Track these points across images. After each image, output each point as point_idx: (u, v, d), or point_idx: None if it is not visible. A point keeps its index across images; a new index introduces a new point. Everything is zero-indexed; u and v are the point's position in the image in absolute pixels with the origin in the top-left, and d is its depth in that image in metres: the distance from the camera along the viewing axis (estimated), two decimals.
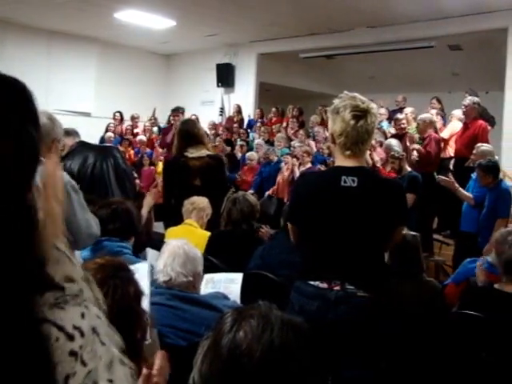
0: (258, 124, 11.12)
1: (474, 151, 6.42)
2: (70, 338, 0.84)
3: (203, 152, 4.88)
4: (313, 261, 2.49)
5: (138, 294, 1.56)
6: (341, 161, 2.49)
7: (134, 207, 3.26)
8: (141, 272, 2.17)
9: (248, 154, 9.61)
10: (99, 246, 2.97)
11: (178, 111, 10.21)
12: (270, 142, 10.00)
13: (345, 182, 2.38)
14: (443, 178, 6.22)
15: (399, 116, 8.23)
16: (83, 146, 4.47)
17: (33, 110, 0.89)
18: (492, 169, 5.84)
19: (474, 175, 6.30)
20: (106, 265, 1.56)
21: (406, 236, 3.58)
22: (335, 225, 2.41)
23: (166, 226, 4.74)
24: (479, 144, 6.50)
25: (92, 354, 0.87)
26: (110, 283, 1.50)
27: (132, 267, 2.21)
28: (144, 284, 2.14)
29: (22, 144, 0.83)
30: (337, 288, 2.37)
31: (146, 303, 2.06)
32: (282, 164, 8.64)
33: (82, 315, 0.87)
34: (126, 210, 3.13)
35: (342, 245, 2.41)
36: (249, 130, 11.45)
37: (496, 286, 3.11)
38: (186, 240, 2.78)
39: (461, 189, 6.14)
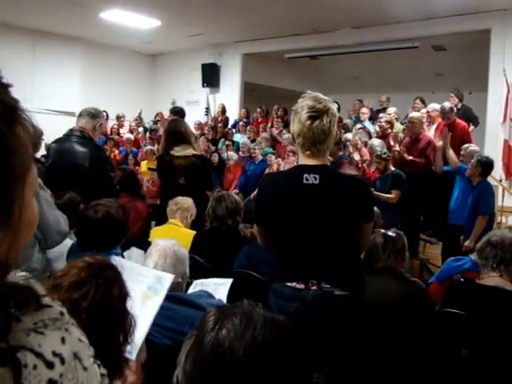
0: (242, 123, 11.16)
1: (463, 152, 6.47)
2: (50, 365, 0.77)
3: (189, 151, 4.89)
4: (286, 261, 2.48)
5: (123, 295, 1.54)
6: (303, 160, 2.49)
7: (121, 208, 3.10)
8: (164, 283, 2.11)
9: (228, 154, 9.62)
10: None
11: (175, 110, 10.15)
12: (255, 142, 10.01)
13: (307, 179, 2.39)
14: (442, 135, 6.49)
15: (381, 115, 8.30)
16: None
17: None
18: (484, 163, 5.93)
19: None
20: (93, 264, 1.55)
21: (392, 235, 3.58)
22: (301, 223, 2.40)
23: (157, 225, 4.74)
24: (467, 145, 6.56)
25: (73, 382, 0.81)
26: (93, 282, 1.49)
27: (153, 276, 2.14)
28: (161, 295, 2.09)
29: None
30: (314, 288, 2.36)
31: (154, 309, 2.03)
32: (268, 162, 8.64)
33: (63, 340, 0.81)
34: (112, 217, 2.95)
35: (310, 243, 2.40)
36: (233, 130, 11.46)
37: (478, 280, 3.14)
38: (175, 240, 2.77)
39: (450, 150, 6.42)
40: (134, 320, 1.56)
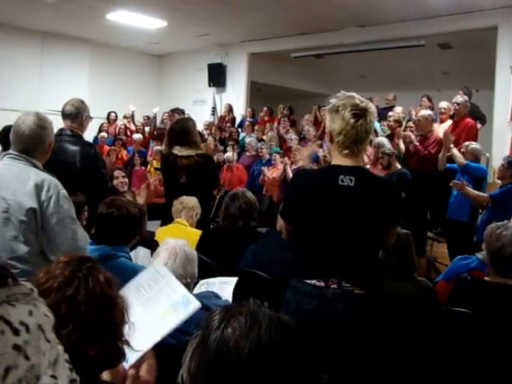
0: (247, 123, 11.16)
1: (463, 149, 6.43)
2: (16, 332, 0.89)
3: (192, 151, 4.89)
4: (309, 259, 2.48)
5: (109, 279, 1.59)
6: (338, 160, 2.48)
7: (137, 209, 3.10)
8: (188, 309, 2.10)
9: (226, 156, 9.54)
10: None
11: (175, 112, 10.18)
12: (262, 141, 10.00)
13: (342, 181, 2.38)
14: (456, 182, 6.00)
15: (390, 113, 8.26)
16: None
17: None
18: None
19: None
20: (70, 261, 1.59)
21: (398, 234, 3.57)
22: (332, 223, 2.40)
23: (163, 225, 4.73)
24: (468, 142, 6.52)
25: (36, 350, 0.92)
26: (80, 276, 1.53)
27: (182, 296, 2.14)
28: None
29: None
30: (334, 286, 2.37)
31: None
32: (272, 162, 8.64)
33: (30, 313, 0.93)
34: (123, 216, 2.99)
35: (339, 243, 2.40)
36: (239, 129, 11.47)
37: (486, 278, 3.14)
38: (184, 240, 2.78)
39: (473, 190, 5.99)
40: (126, 301, 1.60)
